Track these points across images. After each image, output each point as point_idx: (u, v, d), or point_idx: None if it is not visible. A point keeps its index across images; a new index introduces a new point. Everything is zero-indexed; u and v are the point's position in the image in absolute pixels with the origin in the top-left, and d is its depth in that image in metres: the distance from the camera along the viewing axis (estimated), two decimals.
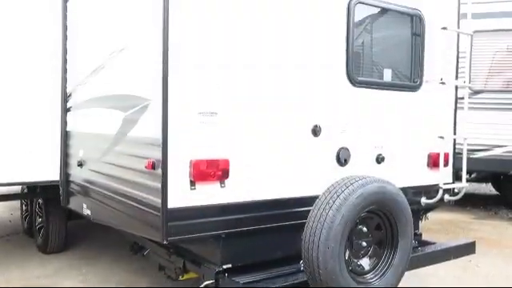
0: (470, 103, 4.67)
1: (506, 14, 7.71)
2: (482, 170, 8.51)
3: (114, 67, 3.76)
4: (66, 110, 4.73)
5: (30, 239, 6.15)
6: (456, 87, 4.51)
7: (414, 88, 4.18)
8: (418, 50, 4.17)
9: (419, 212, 4.51)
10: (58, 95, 4.73)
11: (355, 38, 3.75)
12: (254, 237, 3.33)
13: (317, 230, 2.93)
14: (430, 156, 4.29)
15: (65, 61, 4.73)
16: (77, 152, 4.48)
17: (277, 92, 3.36)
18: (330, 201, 2.99)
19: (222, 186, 3.12)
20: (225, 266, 3.23)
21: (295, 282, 3.24)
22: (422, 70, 4.19)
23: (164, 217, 2.93)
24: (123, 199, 3.52)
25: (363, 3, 3.76)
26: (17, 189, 5.88)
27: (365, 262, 3.29)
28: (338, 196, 3.00)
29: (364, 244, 3.27)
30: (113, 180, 3.71)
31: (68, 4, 4.70)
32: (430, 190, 4.26)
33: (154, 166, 3.02)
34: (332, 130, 3.64)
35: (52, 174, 4.77)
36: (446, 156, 4.29)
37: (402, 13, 4.06)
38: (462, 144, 4.43)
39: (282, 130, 3.39)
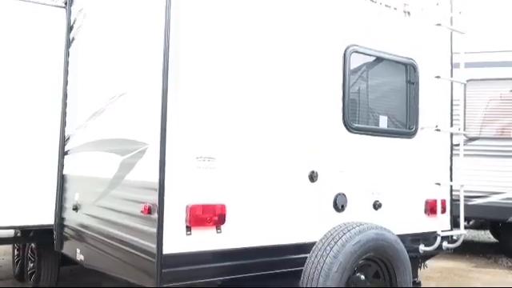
0: (465, 150, 4.71)
1: (499, 64, 7.91)
2: (480, 217, 8.47)
3: (114, 111, 3.80)
4: (63, 153, 4.74)
5: (21, 284, 5.99)
6: (451, 134, 4.56)
7: (409, 135, 4.22)
8: (412, 97, 4.25)
9: (418, 260, 4.45)
10: (56, 139, 4.76)
11: (351, 86, 3.82)
12: (251, 284, 3.26)
13: (314, 277, 2.88)
14: (427, 202, 4.28)
15: (65, 104, 4.79)
16: (72, 195, 4.45)
17: (274, 138, 3.39)
18: (328, 247, 2.97)
19: (218, 232, 3.08)
20: None
21: None
22: (417, 117, 4.25)
23: (159, 263, 2.88)
24: (117, 244, 3.47)
25: (358, 52, 3.86)
26: (9, 232, 5.78)
27: None
28: (335, 243, 2.98)
29: None
30: (107, 224, 3.67)
31: (70, 50, 4.81)
32: (428, 237, 4.22)
33: (150, 211, 3.00)
34: (329, 176, 3.64)
35: (46, 218, 4.71)
36: (443, 202, 4.29)
37: (397, 62, 4.16)
38: (458, 190, 4.43)
39: (279, 176, 3.39)
